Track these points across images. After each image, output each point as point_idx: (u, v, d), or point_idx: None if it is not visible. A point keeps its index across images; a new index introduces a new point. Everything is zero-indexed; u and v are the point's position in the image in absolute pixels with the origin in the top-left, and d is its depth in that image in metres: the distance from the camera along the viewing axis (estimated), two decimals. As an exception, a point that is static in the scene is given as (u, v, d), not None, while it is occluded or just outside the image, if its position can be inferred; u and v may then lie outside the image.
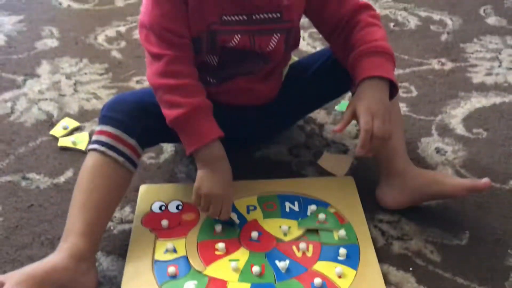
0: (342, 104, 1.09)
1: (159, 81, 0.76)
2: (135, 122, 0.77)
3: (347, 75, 0.84)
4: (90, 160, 0.76)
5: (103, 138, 0.76)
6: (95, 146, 0.76)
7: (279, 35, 0.81)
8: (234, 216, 0.82)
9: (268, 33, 0.81)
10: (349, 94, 1.00)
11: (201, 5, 0.77)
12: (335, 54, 0.88)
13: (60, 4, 1.49)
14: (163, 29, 0.76)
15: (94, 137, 0.77)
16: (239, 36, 0.80)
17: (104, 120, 0.78)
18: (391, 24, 1.38)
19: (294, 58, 0.99)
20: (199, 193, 0.77)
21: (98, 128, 0.78)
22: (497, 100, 1.12)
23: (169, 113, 0.76)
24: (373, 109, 0.73)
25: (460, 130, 1.04)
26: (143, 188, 0.89)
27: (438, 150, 0.99)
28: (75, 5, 1.48)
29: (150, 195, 0.87)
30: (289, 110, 0.94)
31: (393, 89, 0.78)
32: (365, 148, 0.73)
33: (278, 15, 0.79)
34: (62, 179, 0.93)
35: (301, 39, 0.93)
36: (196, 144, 0.76)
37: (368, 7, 0.83)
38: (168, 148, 0.99)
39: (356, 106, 0.75)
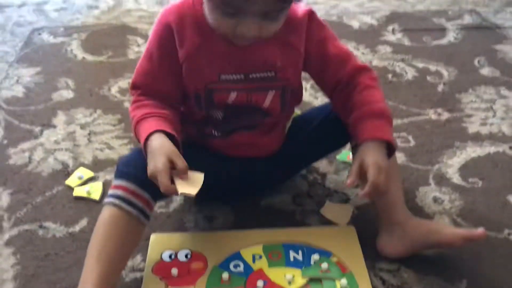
0: (343, 154, 1.15)
1: (130, 109, 0.87)
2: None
3: (347, 129, 0.91)
4: (106, 213, 0.81)
5: (118, 192, 0.81)
6: (111, 200, 0.81)
7: (274, 91, 0.88)
8: (183, 188, 0.76)
9: (264, 90, 0.87)
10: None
11: (200, 66, 0.84)
12: (335, 110, 0.94)
13: (76, 56, 1.57)
14: (143, 83, 0.86)
15: (110, 191, 0.82)
16: (236, 93, 0.86)
17: (119, 174, 0.83)
18: (390, 75, 1.45)
19: (297, 112, 1.05)
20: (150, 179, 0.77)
21: (114, 182, 0.83)
22: (492, 149, 1.17)
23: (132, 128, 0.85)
24: (380, 164, 0.79)
25: (456, 179, 1.08)
26: (153, 237, 0.93)
27: (435, 199, 1.03)
28: (90, 57, 1.56)
29: (160, 244, 0.92)
30: (292, 161, 0.99)
31: (391, 148, 0.84)
32: (368, 198, 0.80)
33: (273, 73, 0.86)
34: (77, 228, 0.97)
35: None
36: (141, 141, 0.79)
37: (367, 69, 0.89)
38: (177, 198, 1.04)
39: (363, 160, 0.80)
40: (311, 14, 0.86)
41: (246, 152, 0.94)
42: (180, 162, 0.76)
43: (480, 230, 0.84)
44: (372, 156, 0.79)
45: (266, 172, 0.97)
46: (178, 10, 0.83)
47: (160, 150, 0.77)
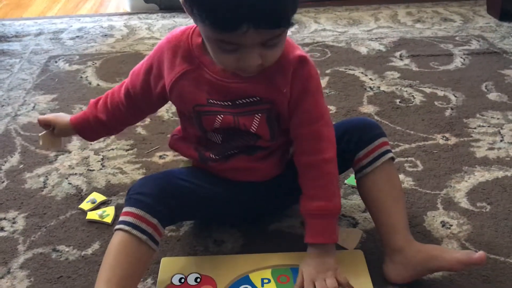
0: (351, 178, 1.16)
1: (114, 89, 1.03)
2: (158, 204, 0.85)
3: (353, 153, 0.94)
4: (116, 239, 0.83)
5: (128, 218, 0.84)
6: (121, 226, 0.84)
7: (260, 115, 0.88)
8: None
9: (250, 114, 0.88)
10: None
11: (189, 88, 0.87)
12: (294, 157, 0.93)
13: (90, 83, 1.62)
14: (130, 84, 0.98)
15: (121, 218, 0.85)
16: (222, 116, 0.88)
17: (129, 202, 0.86)
18: (397, 101, 1.47)
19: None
20: None
21: (124, 209, 0.86)
22: (500, 174, 1.17)
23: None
24: (313, 276, 0.86)
25: (464, 203, 1.09)
26: (164, 260, 0.95)
27: (443, 224, 1.03)
28: (103, 84, 1.61)
29: (170, 268, 0.93)
30: (295, 186, 1.00)
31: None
32: None
33: (258, 98, 0.87)
34: (89, 251, 0.99)
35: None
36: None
37: (328, 141, 0.89)
38: (187, 221, 1.05)
39: (302, 272, 0.88)
40: (303, 60, 0.85)
41: (244, 177, 0.95)
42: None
43: (478, 254, 0.81)
44: (309, 266, 0.87)
45: (271, 195, 0.97)
46: (175, 40, 0.88)
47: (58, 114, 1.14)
